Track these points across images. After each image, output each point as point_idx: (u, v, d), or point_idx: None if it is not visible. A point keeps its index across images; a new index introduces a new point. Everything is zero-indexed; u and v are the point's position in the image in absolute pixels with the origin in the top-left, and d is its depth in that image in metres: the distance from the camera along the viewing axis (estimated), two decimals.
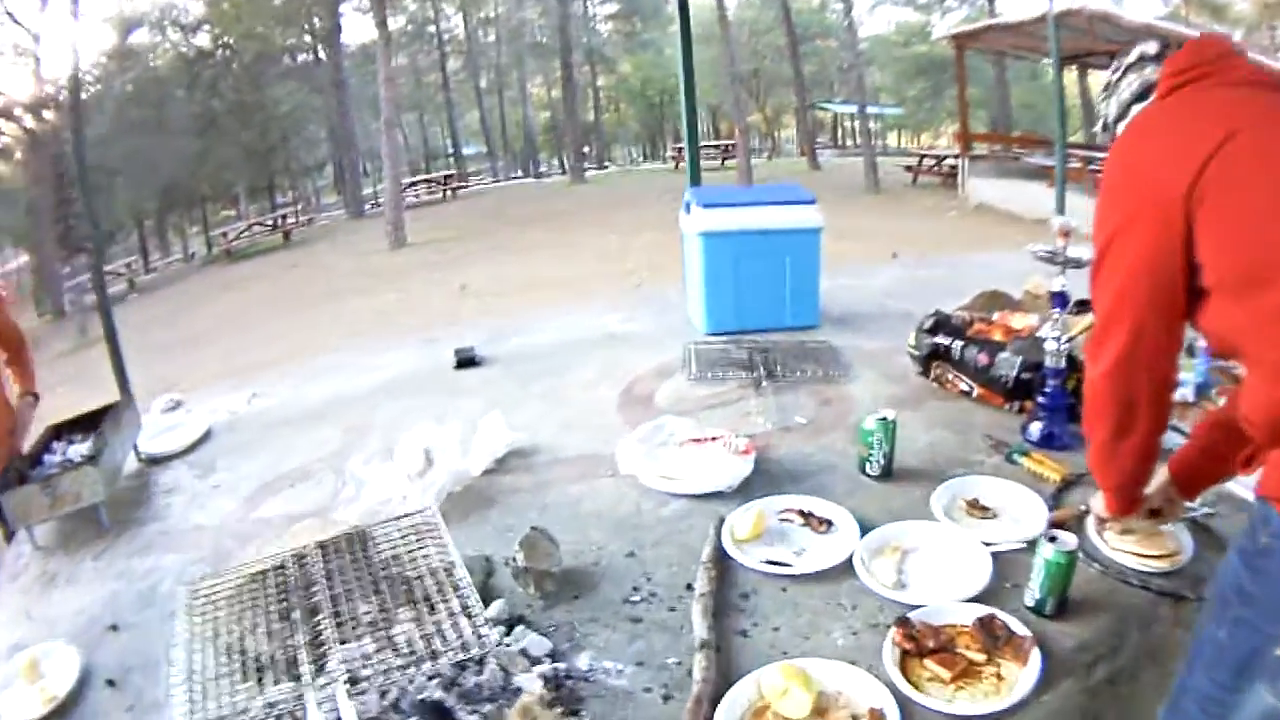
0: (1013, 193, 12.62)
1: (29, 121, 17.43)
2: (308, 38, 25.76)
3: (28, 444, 2.38)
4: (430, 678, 1.27)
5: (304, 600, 1.35)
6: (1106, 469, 1.47)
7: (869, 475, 2.04)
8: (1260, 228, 1.11)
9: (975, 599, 1.54)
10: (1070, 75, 22.15)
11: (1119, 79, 1.45)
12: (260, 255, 19.16)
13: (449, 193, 24.06)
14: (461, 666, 1.30)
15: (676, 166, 26.56)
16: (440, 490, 2.00)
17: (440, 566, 1.40)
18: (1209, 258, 1.17)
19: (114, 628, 1.74)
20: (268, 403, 3.00)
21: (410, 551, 1.47)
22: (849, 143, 39.94)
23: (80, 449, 2.27)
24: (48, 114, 16.98)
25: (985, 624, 1.45)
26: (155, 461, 2.57)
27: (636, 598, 1.64)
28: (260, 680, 1.24)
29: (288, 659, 1.25)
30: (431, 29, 31.83)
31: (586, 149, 30.38)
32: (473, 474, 2.11)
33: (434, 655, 1.22)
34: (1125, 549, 1.63)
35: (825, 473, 2.08)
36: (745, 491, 1.99)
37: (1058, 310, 2.09)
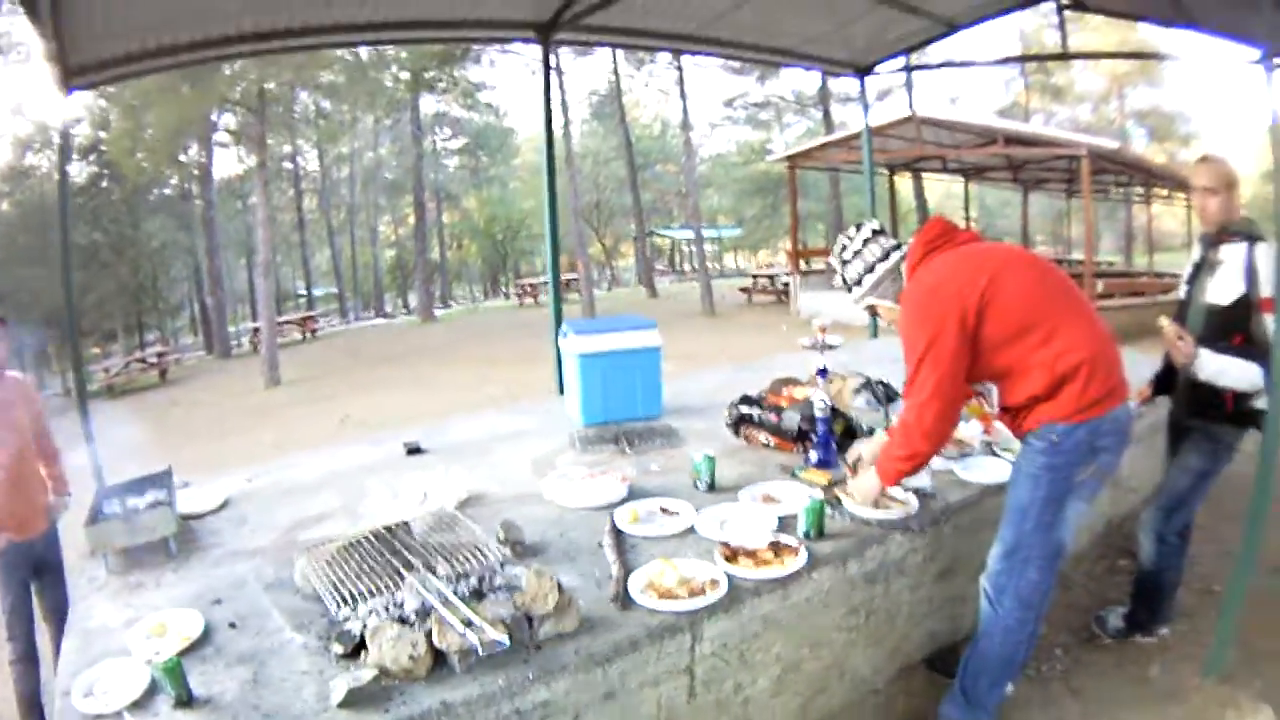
0: (840, 305, 13.55)
1: None
2: (178, 172, 25.46)
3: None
4: (476, 580, 2.26)
5: (385, 550, 2.32)
6: (906, 470, 2.52)
7: (699, 489, 3.18)
8: (1023, 307, 2.24)
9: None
10: (905, 181, 23.77)
11: (862, 247, 2.52)
12: (139, 393, 18.90)
13: (309, 334, 24.88)
14: (484, 579, 2.29)
15: (520, 303, 27.43)
16: None
17: (468, 538, 2.41)
18: (992, 330, 2.22)
19: (218, 601, 2.42)
20: (267, 481, 3.68)
21: (441, 527, 2.47)
22: (686, 267, 40.91)
23: (152, 496, 2.92)
24: None
25: (773, 544, 2.58)
26: (190, 518, 3.15)
27: (571, 551, 2.68)
28: (355, 604, 2.14)
29: (382, 584, 2.18)
30: (288, 165, 32.08)
31: (432, 288, 30.38)
32: (449, 509, 3.03)
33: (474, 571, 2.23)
34: (862, 512, 2.77)
35: (673, 491, 3.19)
36: (626, 502, 3.06)
37: (820, 379, 3.30)
